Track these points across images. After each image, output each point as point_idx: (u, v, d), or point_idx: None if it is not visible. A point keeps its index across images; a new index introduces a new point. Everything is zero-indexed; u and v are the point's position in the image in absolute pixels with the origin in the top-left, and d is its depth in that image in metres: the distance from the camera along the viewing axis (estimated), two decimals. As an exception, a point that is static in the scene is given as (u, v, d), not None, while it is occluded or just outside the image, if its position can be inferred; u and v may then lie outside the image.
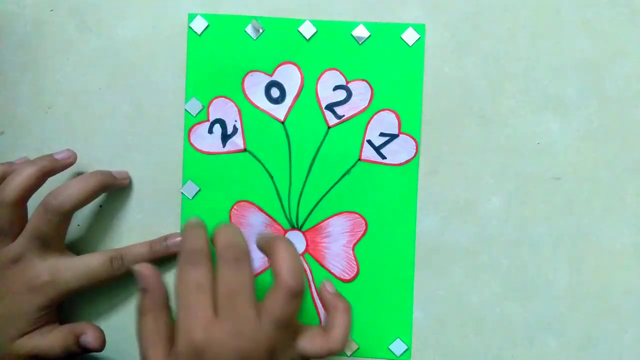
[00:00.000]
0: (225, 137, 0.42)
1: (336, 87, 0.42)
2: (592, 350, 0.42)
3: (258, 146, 0.42)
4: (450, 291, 0.42)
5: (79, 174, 0.42)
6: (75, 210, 0.39)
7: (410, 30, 0.42)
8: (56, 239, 0.39)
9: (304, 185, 0.42)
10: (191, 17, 0.42)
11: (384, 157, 0.42)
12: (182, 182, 0.42)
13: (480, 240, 0.42)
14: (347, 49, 0.42)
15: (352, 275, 0.42)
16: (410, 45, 0.42)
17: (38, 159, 0.39)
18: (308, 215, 0.42)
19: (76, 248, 0.42)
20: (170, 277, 0.43)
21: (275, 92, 0.42)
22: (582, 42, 0.42)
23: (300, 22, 0.42)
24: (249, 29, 0.42)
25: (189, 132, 0.42)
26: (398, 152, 0.42)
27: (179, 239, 0.42)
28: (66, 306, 0.42)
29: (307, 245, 0.43)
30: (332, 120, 0.42)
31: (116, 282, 0.42)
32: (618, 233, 0.42)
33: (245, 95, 0.42)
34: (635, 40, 0.41)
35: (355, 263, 0.42)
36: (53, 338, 0.38)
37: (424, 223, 0.42)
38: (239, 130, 0.42)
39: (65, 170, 0.41)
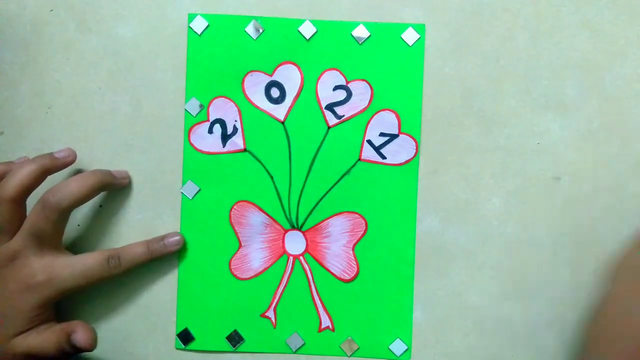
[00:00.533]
0: (225, 137, 0.42)
1: (336, 87, 0.42)
2: (592, 350, 0.42)
3: (258, 146, 0.42)
4: (450, 291, 0.42)
5: (78, 173, 0.42)
6: (73, 208, 0.39)
7: (410, 30, 0.42)
8: (53, 236, 0.39)
9: (304, 185, 0.42)
10: (191, 17, 0.42)
11: (384, 157, 0.42)
12: (182, 182, 0.42)
13: (480, 240, 0.42)
14: (347, 49, 0.42)
15: (352, 275, 0.42)
16: (410, 45, 0.42)
17: (38, 157, 0.39)
18: (308, 215, 0.42)
19: (75, 248, 0.42)
20: (166, 278, 0.43)
21: (275, 92, 0.42)
22: (582, 42, 0.42)
23: (300, 22, 0.42)
24: (249, 29, 0.42)
25: (189, 132, 0.42)
26: (398, 152, 0.42)
27: (177, 238, 0.42)
28: (64, 306, 0.42)
29: (307, 245, 0.43)
30: (332, 120, 0.42)
31: (115, 282, 0.42)
32: (618, 233, 0.42)
33: (245, 95, 0.42)
34: (635, 40, 0.41)
35: (355, 263, 0.42)
36: (47, 337, 0.38)
37: (424, 223, 0.42)
38: (239, 130, 0.42)
39: (65, 170, 0.41)
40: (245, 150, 0.42)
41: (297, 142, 0.42)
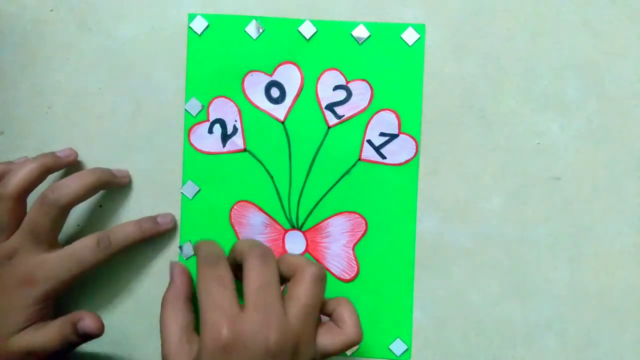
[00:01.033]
0: (225, 137, 0.42)
1: (336, 87, 0.42)
2: (592, 350, 0.42)
3: (258, 146, 0.42)
4: (450, 291, 0.42)
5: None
6: (72, 205, 0.39)
7: (410, 30, 0.42)
8: (50, 233, 0.39)
9: (304, 185, 0.42)
10: (191, 17, 0.42)
11: (384, 157, 0.42)
12: (182, 182, 0.42)
13: (480, 240, 0.42)
14: (347, 49, 0.42)
15: (352, 275, 0.42)
16: (410, 45, 0.42)
17: (40, 155, 0.40)
18: (308, 215, 0.42)
19: (76, 248, 0.42)
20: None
21: (275, 92, 0.42)
22: (582, 42, 0.42)
23: (300, 22, 0.42)
24: (249, 29, 0.42)
25: (189, 132, 0.42)
26: (398, 152, 0.42)
27: (169, 217, 0.42)
28: (63, 307, 0.42)
29: (307, 245, 0.43)
30: (332, 120, 0.42)
31: (114, 282, 0.42)
32: (618, 233, 0.42)
33: (245, 95, 0.42)
34: (635, 40, 0.41)
35: (355, 263, 0.42)
36: (49, 331, 0.38)
37: (424, 223, 0.42)
38: (239, 130, 0.42)
39: (65, 169, 0.41)
40: (245, 150, 0.42)
41: (297, 142, 0.42)
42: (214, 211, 0.42)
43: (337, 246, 0.42)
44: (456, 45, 0.42)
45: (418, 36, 0.42)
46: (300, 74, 0.42)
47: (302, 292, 0.35)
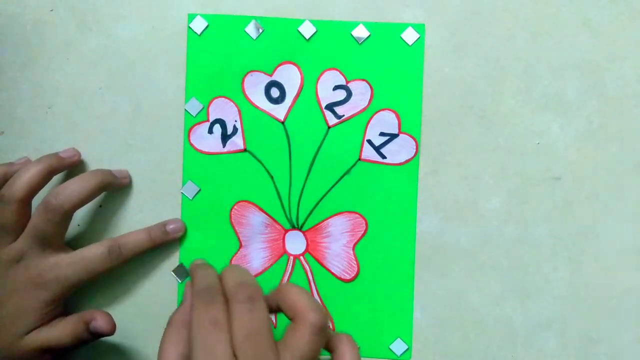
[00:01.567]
0: (225, 137, 0.42)
1: (336, 87, 0.42)
2: (592, 350, 0.42)
3: (258, 146, 0.42)
4: (450, 291, 0.42)
5: (78, 173, 0.42)
6: (75, 209, 0.39)
7: (410, 30, 0.42)
8: (56, 237, 0.39)
9: (304, 185, 0.42)
10: (191, 17, 0.42)
11: (384, 157, 0.42)
12: (182, 182, 0.42)
13: (480, 240, 0.42)
14: (347, 48, 0.42)
15: (352, 275, 0.42)
16: (410, 45, 0.42)
17: (44, 157, 0.40)
18: (308, 215, 0.42)
19: (76, 248, 0.42)
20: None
21: (275, 92, 0.42)
22: (582, 42, 0.41)
23: (300, 22, 0.42)
24: (249, 29, 0.42)
25: (189, 132, 0.42)
26: (398, 151, 0.42)
27: (178, 224, 0.42)
28: (73, 299, 0.42)
29: (308, 245, 0.43)
30: (332, 120, 0.42)
31: (115, 283, 0.42)
32: (618, 233, 0.42)
33: (245, 95, 0.42)
34: (635, 40, 0.41)
35: (355, 263, 0.42)
36: (62, 328, 0.39)
37: (424, 223, 0.42)
38: (239, 130, 0.42)
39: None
40: (245, 150, 0.42)
41: (297, 142, 0.42)
42: (214, 211, 0.42)
43: (337, 246, 0.42)
44: (456, 45, 0.42)
45: (418, 36, 0.42)
46: (300, 74, 0.42)
47: (300, 344, 0.31)
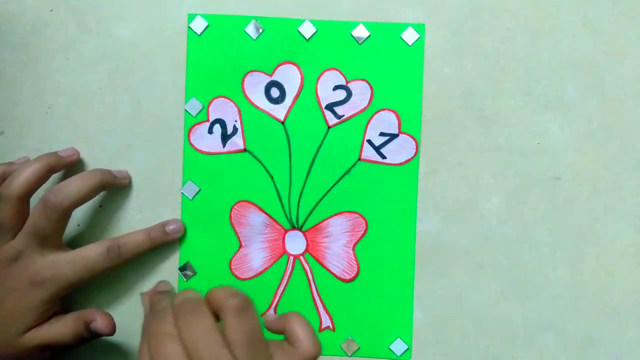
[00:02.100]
0: (225, 137, 0.42)
1: (336, 87, 0.42)
2: (592, 350, 0.42)
3: (258, 146, 0.42)
4: (450, 291, 0.42)
5: (77, 173, 0.42)
6: (74, 208, 0.39)
7: (410, 30, 0.42)
8: (54, 235, 0.39)
9: (304, 185, 0.42)
10: (191, 17, 0.42)
11: (384, 157, 0.42)
12: (182, 182, 0.42)
13: (480, 240, 0.42)
14: (347, 48, 0.42)
15: (352, 275, 0.42)
16: (410, 45, 0.42)
17: (43, 155, 0.40)
18: (308, 215, 0.42)
19: (75, 248, 0.42)
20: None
21: (275, 92, 0.42)
22: (582, 42, 0.41)
23: (300, 22, 0.42)
24: (249, 29, 0.42)
25: (189, 132, 0.42)
26: (398, 151, 0.42)
27: (178, 225, 0.42)
28: (71, 297, 0.42)
29: (308, 245, 0.43)
30: (332, 120, 0.42)
31: (115, 282, 0.42)
32: (618, 233, 0.42)
33: (245, 95, 0.42)
34: (635, 40, 0.41)
35: (355, 263, 0.42)
36: (63, 326, 0.39)
37: (424, 223, 0.42)
38: (239, 130, 0.42)
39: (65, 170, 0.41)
40: (245, 150, 0.42)
41: (297, 142, 0.42)
42: (214, 211, 0.42)
43: (337, 246, 0.42)
44: (456, 45, 0.42)
45: (418, 36, 0.42)
46: (300, 74, 0.42)
47: (231, 331, 0.32)
